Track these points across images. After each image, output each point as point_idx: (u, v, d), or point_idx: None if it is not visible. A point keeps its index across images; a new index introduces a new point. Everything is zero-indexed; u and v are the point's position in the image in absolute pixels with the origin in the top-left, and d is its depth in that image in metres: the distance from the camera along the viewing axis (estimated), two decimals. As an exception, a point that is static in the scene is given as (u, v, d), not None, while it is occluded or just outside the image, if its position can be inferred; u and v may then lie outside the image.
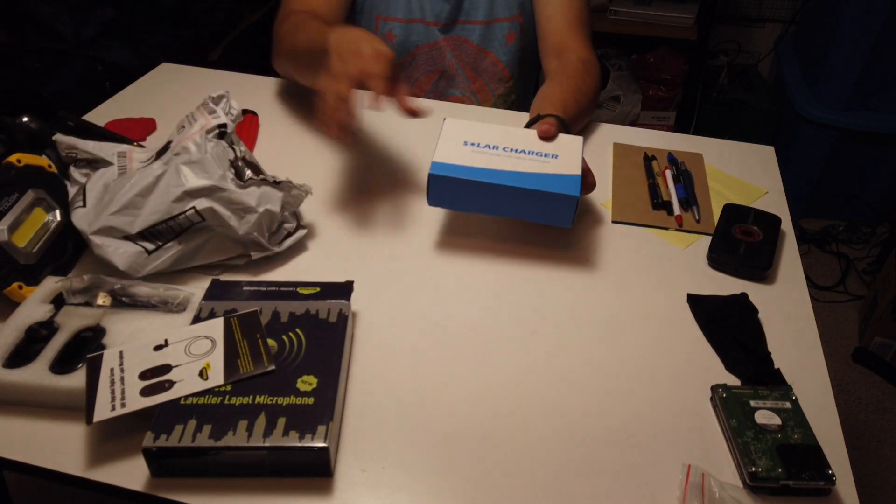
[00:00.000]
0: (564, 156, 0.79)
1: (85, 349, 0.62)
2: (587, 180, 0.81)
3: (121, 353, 0.60)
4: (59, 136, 0.78)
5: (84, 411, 0.55)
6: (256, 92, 1.11)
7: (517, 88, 1.25)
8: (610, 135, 1.03)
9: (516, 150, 0.79)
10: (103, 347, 0.62)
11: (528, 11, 1.17)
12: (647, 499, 0.55)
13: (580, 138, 0.82)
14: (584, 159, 0.81)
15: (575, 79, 1.00)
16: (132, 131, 0.98)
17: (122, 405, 0.55)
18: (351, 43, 0.74)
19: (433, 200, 0.78)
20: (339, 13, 1.07)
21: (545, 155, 0.79)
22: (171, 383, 0.57)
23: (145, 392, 0.56)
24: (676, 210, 0.87)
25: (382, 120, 1.02)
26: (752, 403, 0.60)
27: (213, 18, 1.95)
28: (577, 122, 0.97)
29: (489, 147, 0.79)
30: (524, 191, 0.74)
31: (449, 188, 0.76)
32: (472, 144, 0.79)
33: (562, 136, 0.82)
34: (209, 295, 0.67)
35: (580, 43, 1.08)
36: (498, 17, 1.16)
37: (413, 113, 0.73)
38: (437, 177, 0.75)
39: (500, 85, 1.23)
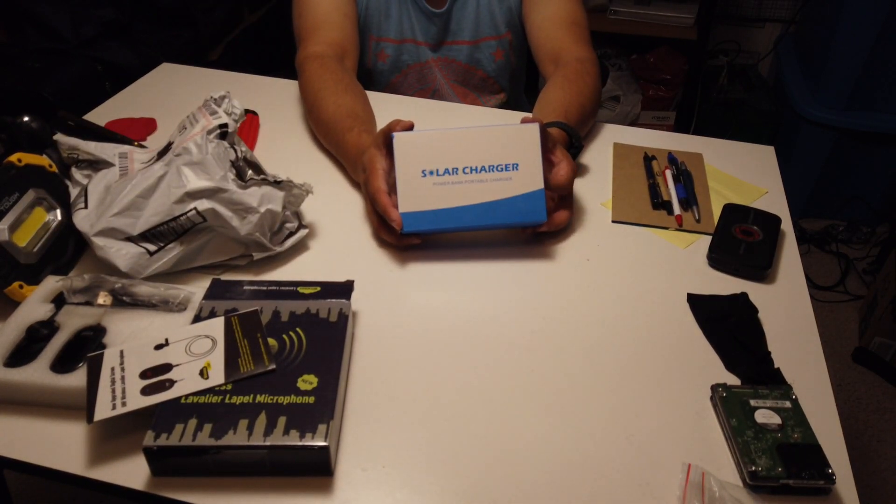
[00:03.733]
0: (524, 162, 0.76)
1: (85, 348, 0.62)
2: (560, 172, 0.79)
3: (121, 352, 0.60)
4: (60, 137, 0.78)
5: (85, 410, 0.55)
6: (256, 92, 1.11)
7: (508, 99, 1.26)
8: (610, 135, 1.04)
9: (476, 170, 0.76)
10: (104, 347, 0.62)
11: (518, 28, 1.16)
12: (647, 497, 0.55)
13: (536, 130, 0.77)
14: (557, 150, 0.79)
15: (576, 82, 0.98)
16: (132, 131, 0.98)
17: (123, 404, 0.55)
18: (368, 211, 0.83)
19: (406, 234, 0.78)
20: (354, 36, 1.07)
21: (506, 167, 0.76)
22: (171, 382, 0.57)
23: (146, 391, 0.57)
24: (676, 210, 0.87)
25: (382, 120, 1.02)
26: (752, 403, 0.60)
27: (213, 18, 1.95)
28: (582, 126, 0.97)
29: (448, 172, 0.76)
30: (493, 225, 0.78)
31: (420, 232, 0.78)
32: (431, 173, 0.76)
33: (517, 131, 0.77)
34: (210, 294, 0.67)
35: (576, 43, 1.06)
36: (484, 36, 1.16)
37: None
38: (408, 232, 0.77)
39: (491, 98, 1.24)
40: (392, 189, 0.78)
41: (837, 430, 0.61)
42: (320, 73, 0.97)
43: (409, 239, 0.78)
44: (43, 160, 0.75)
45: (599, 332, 0.70)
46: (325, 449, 0.54)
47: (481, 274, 0.77)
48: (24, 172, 0.73)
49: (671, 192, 0.90)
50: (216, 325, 0.63)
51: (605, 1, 2.24)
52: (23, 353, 0.62)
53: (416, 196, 0.76)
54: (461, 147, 0.77)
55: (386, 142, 0.78)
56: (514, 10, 1.14)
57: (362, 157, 0.81)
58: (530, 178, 0.77)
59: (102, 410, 0.55)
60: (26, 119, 0.81)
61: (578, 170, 0.95)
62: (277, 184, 0.74)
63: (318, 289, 0.68)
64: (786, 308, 0.74)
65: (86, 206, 0.73)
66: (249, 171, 0.74)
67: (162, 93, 1.11)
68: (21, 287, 0.68)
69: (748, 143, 1.03)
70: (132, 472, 0.55)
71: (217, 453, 0.54)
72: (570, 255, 0.80)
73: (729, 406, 0.60)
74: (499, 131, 0.77)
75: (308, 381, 0.58)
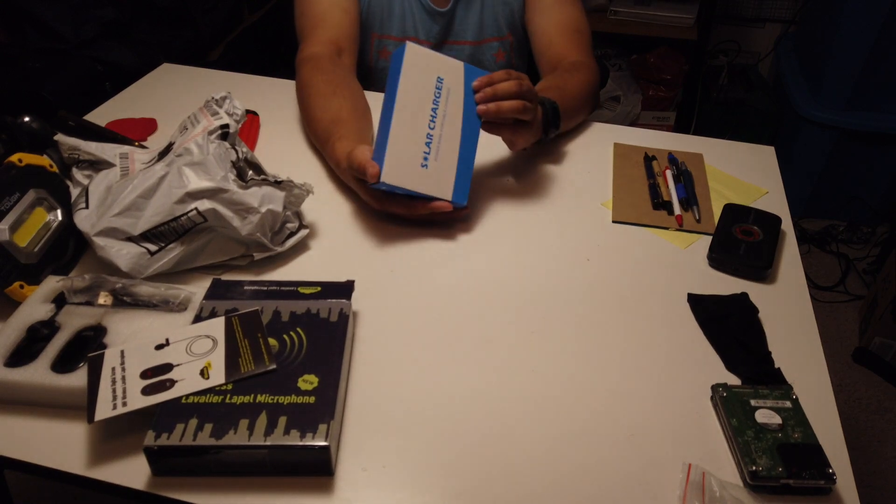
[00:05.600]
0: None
1: (86, 348, 0.62)
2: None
3: (122, 352, 0.60)
4: (61, 137, 0.78)
5: (85, 410, 0.55)
6: (257, 92, 1.11)
7: None
8: (610, 135, 1.04)
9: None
10: (104, 346, 0.62)
11: (519, 30, 1.17)
12: (647, 498, 0.55)
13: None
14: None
15: (562, 75, 1.00)
16: (133, 131, 0.98)
17: (124, 404, 0.55)
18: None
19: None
20: (353, 32, 1.07)
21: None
22: (172, 382, 0.57)
23: (146, 391, 0.57)
24: (677, 210, 0.87)
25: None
26: (753, 402, 0.60)
27: (213, 18, 1.95)
28: (566, 119, 0.96)
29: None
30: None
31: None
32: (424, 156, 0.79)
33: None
34: (210, 294, 0.67)
35: (576, 50, 1.08)
36: (487, 37, 1.16)
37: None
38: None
39: None
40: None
41: (838, 430, 0.61)
42: (311, 76, 0.97)
43: (389, 206, 0.81)
44: (43, 160, 0.75)
45: (599, 332, 0.70)
46: (325, 449, 0.54)
47: (481, 274, 0.77)
48: (24, 172, 0.73)
49: (671, 192, 0.90)
50: (217, 325, 0.63)
51: (605, 1, 2.24)
52: (23, 352, 0.62)
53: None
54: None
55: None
56: (515, 12, 1.14)
57: (343, 163, 0.82)
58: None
59: (103, 410, 0.55)
60: (27, 119, 0.81)
61: (578, 170, 0.95)
62: (278, 184, 0.74)
63: (319, 289, 0.68)
64: (786, 308, 0.74)
65: (87, 206, 0.73)
66: (250, 172, 0.74)
67: (162, 93, 1.11)
68: (22, 287, 0.68)
69: (748, 143, 1.03)
70: (133, 472, 0.56)
71: (217, 453, 0.54)
72: (570, 255, 0.80)
73: (729, 406, 0.60)
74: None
75: (308, 381, 0.58)
